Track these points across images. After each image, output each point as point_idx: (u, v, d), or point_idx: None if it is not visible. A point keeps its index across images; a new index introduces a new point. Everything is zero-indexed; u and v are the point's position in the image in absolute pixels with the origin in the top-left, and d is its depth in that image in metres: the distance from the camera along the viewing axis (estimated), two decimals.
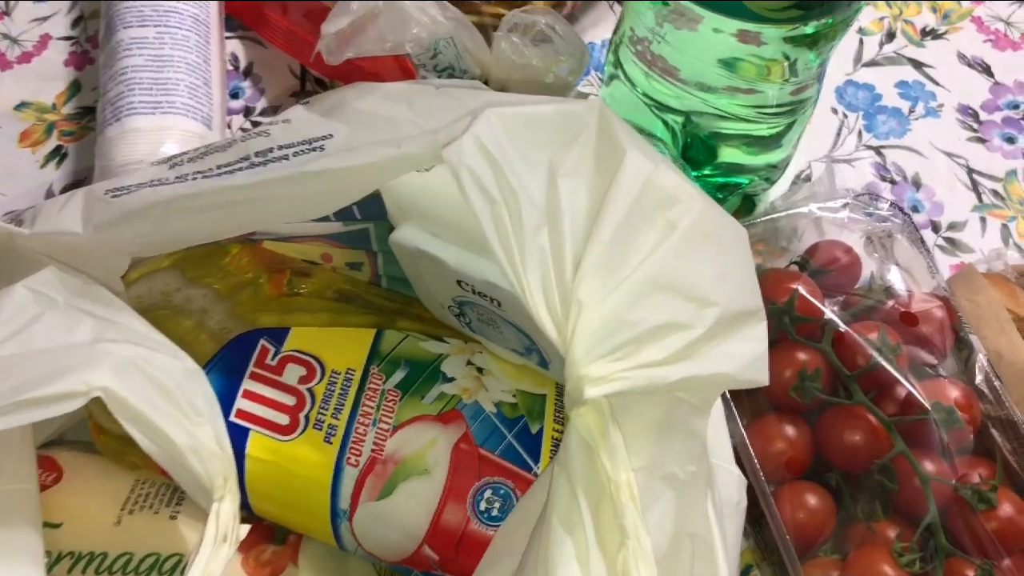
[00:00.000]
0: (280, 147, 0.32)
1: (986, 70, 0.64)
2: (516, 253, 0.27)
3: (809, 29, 0.41)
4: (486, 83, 0.44)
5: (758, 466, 0.44)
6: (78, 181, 0.55)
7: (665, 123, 0.50)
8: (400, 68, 0.46)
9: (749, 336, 0.29)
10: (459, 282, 0.37)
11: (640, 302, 0.28)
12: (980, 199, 0.59)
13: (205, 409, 0.34)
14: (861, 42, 0.64)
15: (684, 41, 0.44)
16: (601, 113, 0.29)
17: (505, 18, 0.44)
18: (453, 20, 0.40)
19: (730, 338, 0.28)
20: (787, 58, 0.42)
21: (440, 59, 0.41)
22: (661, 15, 0.44)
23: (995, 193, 0.59)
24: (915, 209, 0.58)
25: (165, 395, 0.33)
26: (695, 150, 0.52)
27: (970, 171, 0.60)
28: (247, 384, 0.39)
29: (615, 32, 0.52)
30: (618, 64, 0.51)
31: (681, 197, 0.29)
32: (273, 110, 0.59)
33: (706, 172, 0.53)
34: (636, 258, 0.28)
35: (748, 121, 0.47)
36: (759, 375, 0.28)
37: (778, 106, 0.47)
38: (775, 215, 0.50)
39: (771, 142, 0.51)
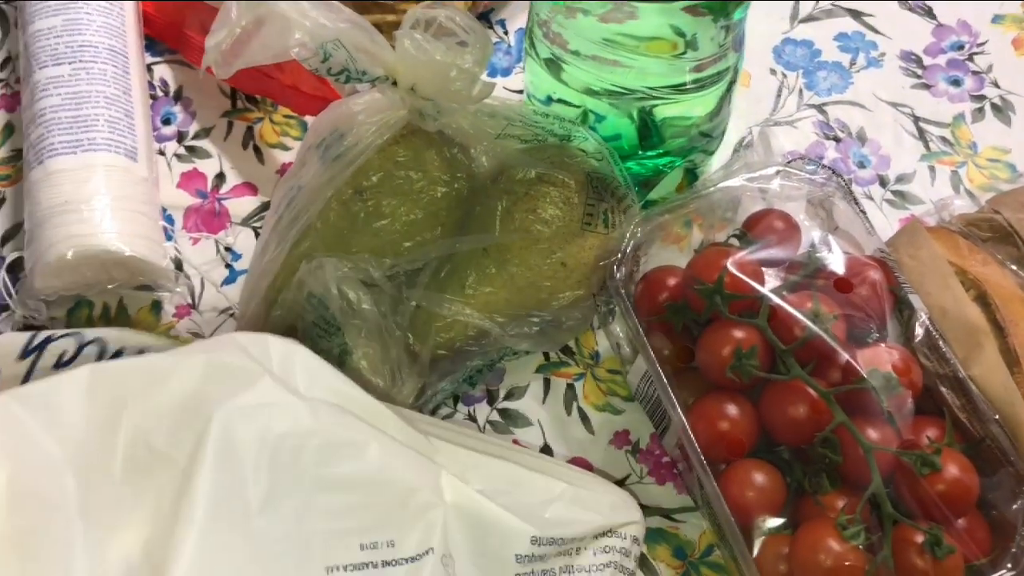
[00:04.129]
0: None
1: (928, 12, 0.62)
2: None
3: None
4: (395, 84, 0.44)
5: (698, 448, 0.43)
6: (18, 224, 0.55)
7: (627, 113, 0.50)
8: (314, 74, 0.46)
9: None
10: None
11: None
12: (927, 147, 0.57)
13: None
14: None
15: (572, 27, 0.43)
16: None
17: (406, 16, 0.43)
18: (344, 23, 0.40)
19: None
20: (680, 34, 0.41)
21: (332, 63, 0.40)
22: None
23: (943, 140, 0.58)
24: (861, 165, 0.57)
25: None
26: (654, 135, 0.51)
27: (916, 120, 0.58)
28: None
29: (529, 17, 0.51)
30: (532, 46, 0.51)
31: None
32: (205, 132, 0.58)
33: (658, 152, 0.52)
34: None
35: (655, 99, 0.46)
36: None
37: (692, 83, 0.46)
38: (707, 191, 0.49)
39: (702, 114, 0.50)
